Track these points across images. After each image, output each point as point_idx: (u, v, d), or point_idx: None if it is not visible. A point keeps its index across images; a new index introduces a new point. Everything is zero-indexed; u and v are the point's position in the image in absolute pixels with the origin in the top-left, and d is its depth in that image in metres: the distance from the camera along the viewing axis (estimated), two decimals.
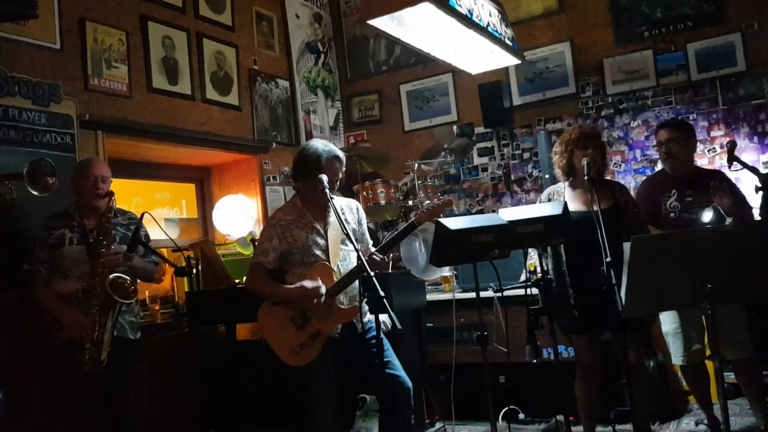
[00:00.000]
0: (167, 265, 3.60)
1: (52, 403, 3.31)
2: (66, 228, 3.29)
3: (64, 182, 3.39)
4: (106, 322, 3.11)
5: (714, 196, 3.50)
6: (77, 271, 3.22)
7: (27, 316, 3.50)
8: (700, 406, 3.87)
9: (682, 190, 3.75)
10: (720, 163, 5.20)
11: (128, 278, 3.20)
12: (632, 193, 4.00)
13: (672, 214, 3.74)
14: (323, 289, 3.06)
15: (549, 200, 3.59)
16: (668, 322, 3.77)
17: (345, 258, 3.20)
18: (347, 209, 3.31)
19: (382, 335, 2.95)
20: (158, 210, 5.39)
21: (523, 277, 3.76)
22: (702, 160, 5.27)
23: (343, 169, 3.28)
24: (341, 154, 3.24)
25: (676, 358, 3.77)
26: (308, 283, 3.05)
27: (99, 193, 3.30)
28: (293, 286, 3.09)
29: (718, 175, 3.84)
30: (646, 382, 3.49)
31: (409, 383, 3.13)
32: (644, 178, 4.72)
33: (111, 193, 3.33)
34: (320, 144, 3.23)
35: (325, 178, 3.09)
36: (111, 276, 3.15)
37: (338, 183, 3.28)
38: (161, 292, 4.88)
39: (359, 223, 3.34)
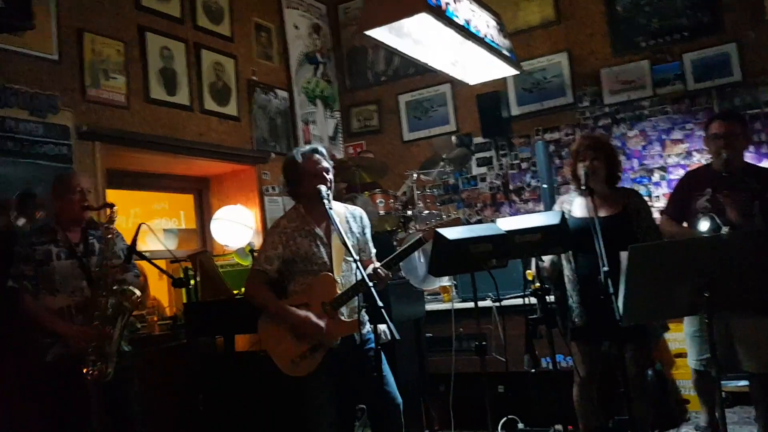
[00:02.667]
0: (165, 275, 3.60)
1: (39, 421, 3.25)
2: (51, 243, 3.23)
3: None
4: (114, 332, 3.10)
5: (726, 205, 3.43)
6: (68, 285, 3.19)
7: (9, 335, 3.40)
8: (704, 410, 3.85)
9: (717, 190, 3.53)
10: None
11: (137, 290, 3.18)
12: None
13: (700, 214, 3.55)
14: (323, 332, 3.03)
15: (560, 209, 3.57)
16: (690, 323, 3.73)
17: (349, 269, 3.16)
18: (351, 217, 3.28)
19: (379, 347, 2.95)
20: (157, 221, 5.39)
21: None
22: None
23: (327, 160, 3.21)
24: (319, 147, 3.24)
25: (692, 361, 3.74)
26: (314, 319, 3.02)
27: (86, 205, 3.28)
28: (300, 313, 3.04)
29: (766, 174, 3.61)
30: (645, 392, 3.48)
31: (400, 399, 3.12)
32: (635, 187, 4.65)
33: (112, 205, 3.32)
34: (295, 149, 3.26)
35: (323, 188, 3.09)
36: (123, 287, 3.14)
37: (331, 177, 3.19)
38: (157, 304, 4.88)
39: (363, 231, 3.32)
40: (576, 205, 3.50)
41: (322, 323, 3.02)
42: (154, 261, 3.48)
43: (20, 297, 3.16)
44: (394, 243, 4.82)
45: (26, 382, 3.34)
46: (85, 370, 3.04)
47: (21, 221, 2.82)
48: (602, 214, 3.29)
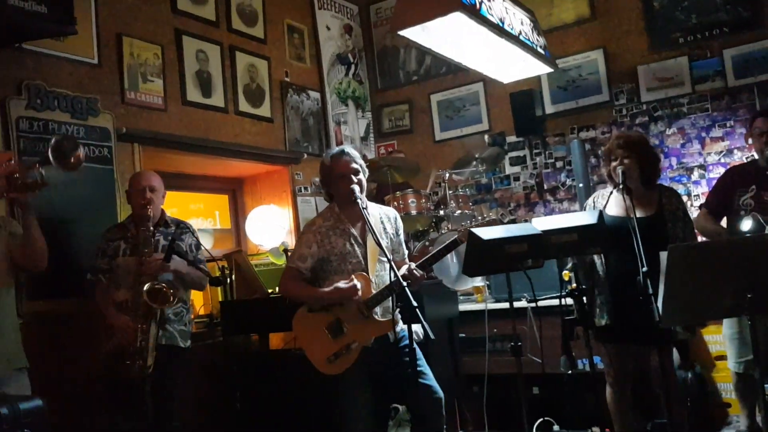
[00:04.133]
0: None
1: (94, 410, 3.39)
2: (122, 240, 3.45)
3: (103, 194, 3.48)
4: (148, 329, 3.19)
5: None
6: (128, 280, 3.35)
7: (74, 325, 3.62)
8: (744, 413, 3.78)
9: (762, 188, 3.54)
10: None
11: (165, 285, 3.26)
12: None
13: (742, 212, 3.55)
14: (359, 285, 3.05)
15: (593, 203, 3.52)
16: (729, 325, 3.67)
17: (383, 269, 3.17)
18: (385, 218, 3.30)
19: (414, 345, 2.94)
20: (192, 220, 5.45)
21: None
22: None
23: (356, 161, 3.22)
24: (347, 148, 3.28)
25: (731, 363, 3.68)
26: (342, 284, 3.06)
27: (145, 202, 3.44)
28: (328, 288, 3.09)
29: None
30: (677, 394, 3.42)
31: (441, 393, 3.12)
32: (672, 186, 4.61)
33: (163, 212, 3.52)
34: (326, 152, 3.34)
35: (356, 189, 3.10)
36: (147, 284, 3.21)
37: (362, 178, 3.21)
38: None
39: (397, 233, 3.33)
40: (611, 203, 3.44)
41: (352, 282, 3.04)
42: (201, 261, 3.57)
43: (95, 289, 3.41)
44: (426, 243, 4.82)
45: (83, 372, 3.53)
46: (127, 363, 3.15)
47: (66, 169, 2.87)
48: (638, 214, 3.24)
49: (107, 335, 3.32)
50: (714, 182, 3.89)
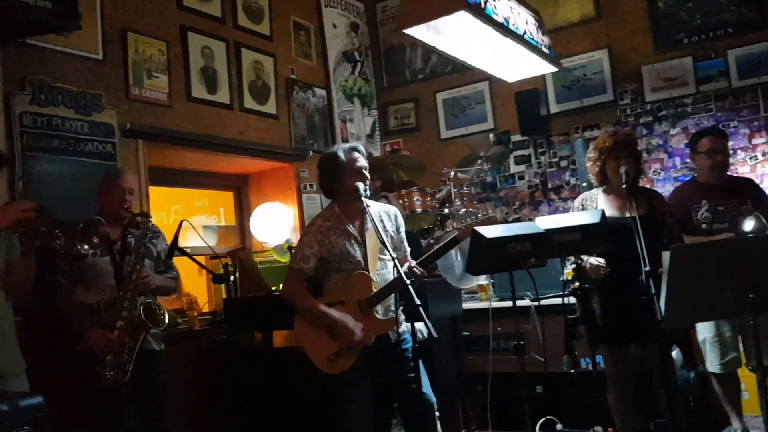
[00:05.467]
0: (205, 271, 3.64)
1: (86, 409, 3.31)
2: None
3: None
4: (135, 346, 3.13)
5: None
6: (100, 282, 3.23)
7: (49, 325, 3.44)
8: (734, 413, 3.79)
9: (713, 200, 3.71)
10: (762, 171, 5.10)
11: (161, 305, 3.22)
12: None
13: (704, 225, 3.70)
14: (359, 336, 3.03)
15: (582, 206, 3.57)
16: (705, 330, 3.70)
17: (383, 267, 3.17)
18: (385, 216, 3.29)
19: (416, 345, 2.95)
20: (197, 217, 5.47)
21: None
22: (743, 168, 5.17)
23: (365, 158, 3.23)
24: (357, 144, 3.26)
25: (714, 366, 3.70)
26: (351, 323, 3.04)
27: (126, 206, 3.33)
28: (336, 314, 3.06)
29: (748, 182, 3.80)
30: (674, 394, 3.42)
31: (433, 398, 3.12)
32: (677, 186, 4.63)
33: (146, 215, 3.36)
34: (334, 146, 3.29)
35: (361, 186, 3.10)
36: (145, 302, 3.17)
37: (367, 176, 3.21)
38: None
39: (397, 230, 3.32)
40: (601, 204, 3.46)
41: (358, 330, 3.03)
42: (194, 257, 3.54)
43: (56, 290, 3.22)
44: (431, 241, 4.83)
45: (61, 371, 3.37)
46: (102, 373, 3.07)
47: (84, 247, 2.90)
48: (629, 215, 3.29)
49: (75, 338, 3.17)
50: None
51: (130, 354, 3.11)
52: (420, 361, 3.09)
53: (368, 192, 3.17)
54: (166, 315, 3.30)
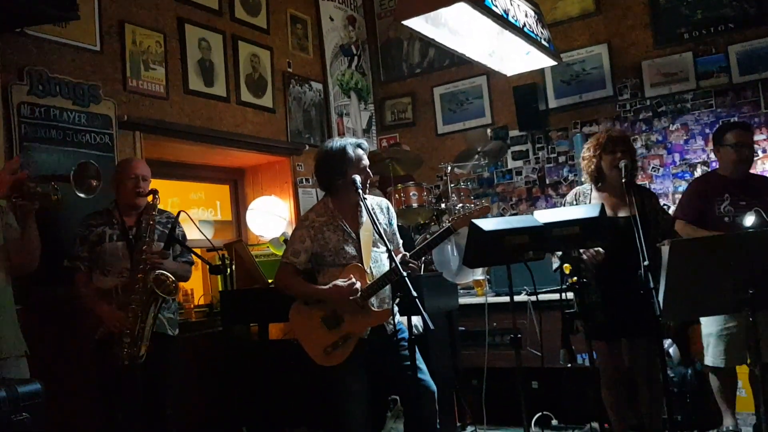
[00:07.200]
0: (202, 263, 3.64)
1: (90, 396, 3.38)
2: (106, 225, 3.38)
3: (104, 181, 3.43)
4: (146, 317, 3.16)
5: None
6: (117, 267, 3.32)
7: (69, 311, 3.59)
8: (728, 408, 3.79)
9: (735, 195, 3.66)
10: (762, 167, 5.09)
11: (171, 275, 3.23)
12: (671, 198, 3.93)
13: (726, 218, 3.65)
14: (358, 285, 3.02)
15: (575, 201, 3.56)
16: (711, 325, 3.68)
17: (377, 260, 3.16)
18: (378, 208, 3.27)
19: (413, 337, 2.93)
20: (193, 211, 5.45)
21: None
22: None
23: (366, 155, 3.22)
24: (362, 141, 3.24)
25: (717, 360, 3.68)
26: (341, 282, 3.02)
27: (140, 191, 3.40)
28: (326, 286, 3.06)
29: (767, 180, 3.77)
30: (659, 388, 3.41)
31: (434, 387, 3.10)
32: (689, 180, 4.63)
33: (155, 191, 3.40)
34: (339, 139, 3.26)
35: (358, 178, 3.08)
36: (156, 272, 3.19)
37: (368, 174, 3.20)
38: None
39: (390, 223, 3.31)
40: (593, 200, 3.46)
41: (351, 279, 3.01)
42: (192, 249, 3.54)
43: (74, 277, 3.35)
44: (427, 236, 4.80)
45: (79, 358, 3.52)
46: (117, 351, 3.13)
47: (80, 193, 2.89)
48: (623, 213, 3.35)
49: (96, 323, 3.29)
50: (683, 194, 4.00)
51: (142, 326, 3.14)
52: (417, 351, 3.08)
53: (366, 189, 3.17)
54: (178, 286, 3.33)
